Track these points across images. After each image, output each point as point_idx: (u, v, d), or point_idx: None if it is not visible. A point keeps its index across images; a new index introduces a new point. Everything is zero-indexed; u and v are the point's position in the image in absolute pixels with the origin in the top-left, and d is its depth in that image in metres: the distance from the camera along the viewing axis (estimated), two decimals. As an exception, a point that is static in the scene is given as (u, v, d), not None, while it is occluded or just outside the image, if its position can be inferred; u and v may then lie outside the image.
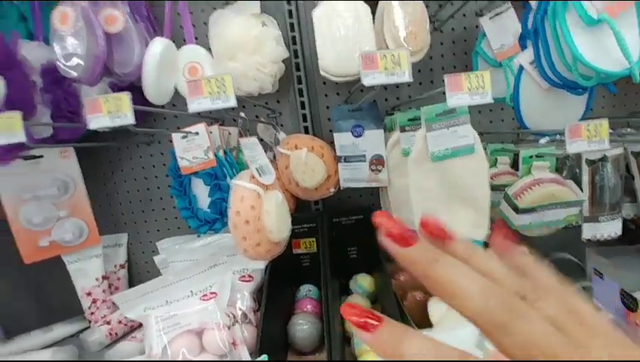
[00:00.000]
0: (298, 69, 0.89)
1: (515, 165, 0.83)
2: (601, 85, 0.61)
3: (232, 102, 0.51)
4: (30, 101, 0.68)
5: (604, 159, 0.69)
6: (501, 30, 0.79)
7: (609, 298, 0.67)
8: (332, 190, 0.87)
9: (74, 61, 0.60)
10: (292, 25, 0.87)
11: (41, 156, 0.80)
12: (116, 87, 0.81)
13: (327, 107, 0.95)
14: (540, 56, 0.63)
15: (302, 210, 0.96)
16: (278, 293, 0.80)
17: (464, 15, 0.92)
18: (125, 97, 0.51)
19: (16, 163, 0.76)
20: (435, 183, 0.63)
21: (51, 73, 0.74)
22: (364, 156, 0.82)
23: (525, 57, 0.67)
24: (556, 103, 0.67)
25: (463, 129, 0.61)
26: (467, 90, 0.52)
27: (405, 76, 0.51)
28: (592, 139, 0.55)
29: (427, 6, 0.75)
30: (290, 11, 0.86)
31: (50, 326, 0.94)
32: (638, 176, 0.76)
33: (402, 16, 0.67)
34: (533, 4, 0.66)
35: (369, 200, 0.99)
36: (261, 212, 0.64)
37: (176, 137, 0.78)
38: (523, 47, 0.73)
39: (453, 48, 0.94)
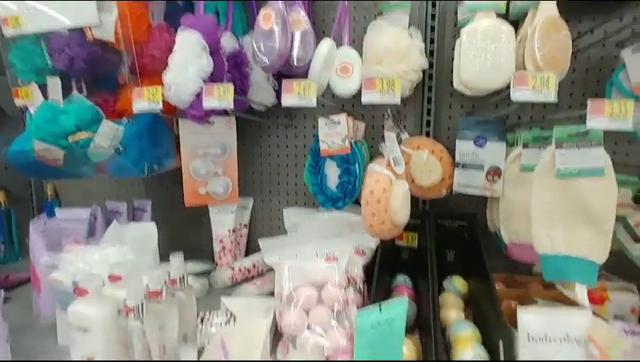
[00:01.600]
0: (431, 79, 0.99)
1: (637, 199, 0.83)
2: None
3: (397, 100, 0.63)
4: (222, 79, 0.88)
5: None
6: (644, 65, 0.80)
7: None
8: (444, 192, 0.96)
9: (267, 54, 0.77)
10: (432, 39, 0.97)
11: (213, 122, 1.00)
12: (276, 75, 0.99)
13: (449, 117, 1.03)
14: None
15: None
16: (381, 274, 0.91)
17: (603, 45, 0.93)
18: (313, 85, 0.65)
19: (198, 125, 0.98)
20: (556, 199, 0.69)
21: (234, 58, 0.94)
22: (482, 166, 0.89)
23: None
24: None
25: (595, 151, 0.66)
26: (608, 115, 0.58)
27: (552, 97, 0.58)
28: None
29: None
30: (432, 27, 0.97)
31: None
32: None
33: (543, 40, 0.72)
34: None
35: (474, 209, 1.04)
36: (391, 194, 0.76)
37: (321, 122, 0.93)
38: (667, 84, 0.74)
39: (585, 76, 0.96)
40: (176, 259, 0.65)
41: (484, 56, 0.78)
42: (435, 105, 1.01)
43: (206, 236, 1.16)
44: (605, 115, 0.58)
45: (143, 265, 0.68)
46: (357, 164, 0.92)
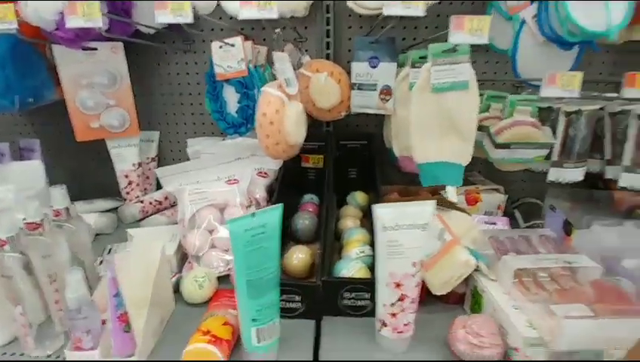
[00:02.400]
0: (328, -1, 0.97)
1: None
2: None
3: (274, 15, 0.62)
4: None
5: (578, 113, 0.81)
6: (519, -15, 0.86)
7: (556, 227, 0.82)
8: (343, 114, 0.99)
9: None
10: (328, -46, 0.94)
11: (95, 49, 0.91)
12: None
13: (350, 39, 1.04)
14: (542, 10, 0.72)
15: (313, 130, 1.10)
16: (286, 193, 0.96)
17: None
18: (188, 2, 0.62)
19: (77, 52, 0.88)
20: (432, 111, 0.75)
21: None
22: (375, 86, 0.93)
23: (529, 11, 0.76)
24: (547, 57, 0.78)
25: (462, 67, 0.72)
26: (468, 30, 0.63)
27: (419, 11, 0.61)
28: (565, 88, 0.66)
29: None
30: (327, -59, 0.93)
31: (91, 200, 1.11)
32: (610, 135, 0.87)
33: None
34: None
35: (374, 129, 1.11)
36: (283, 115, 0.77)
37: (214, 46, 0.89)
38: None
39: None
40: (57, 191, 0.63)
41: (370, -28, 0.78)
42: (335, 26, 1.01)
43: (112, 172, 1.12)
44: (465, 31, 0.63)
45: (22, 201, 0.65)
46: (256, 89, 0.91)
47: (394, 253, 0.55)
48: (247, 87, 0.91)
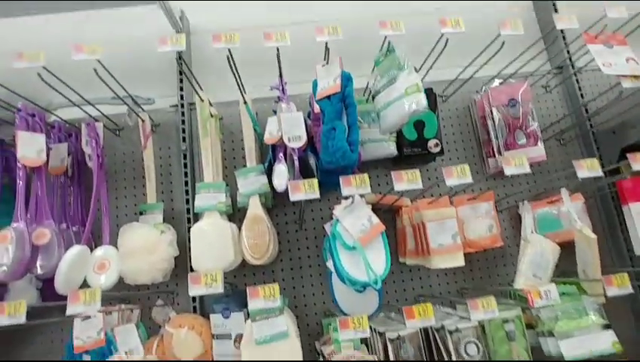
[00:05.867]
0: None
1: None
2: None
3: (220, 290, 0.79)
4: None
5: (399, 338, 0.92)
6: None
7: None
8: (207, 364, 1.04)
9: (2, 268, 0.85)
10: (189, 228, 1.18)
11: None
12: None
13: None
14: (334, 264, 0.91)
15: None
16: None
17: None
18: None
19: None
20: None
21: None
22: (230, 334, 1.02)
23: (330, 264, 0.96)
24: (357, 297, 0.94)
25: (279, 319, 0.84)
26: (263, 297, 0.78)
27: (219, 288, 0.77)
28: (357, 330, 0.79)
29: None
30: (189, 218, 1.18)
31: None
32: (443, 348, 0.97)
33: (248, 234, 0.98)
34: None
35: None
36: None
37: (76, 320, 0.98)
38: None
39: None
40: None
41: (207, 247, 0.99)
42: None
43: None
44: (261, 298, 0.78)
45: None
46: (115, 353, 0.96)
47: None
48: (105, 354, 0.96)
